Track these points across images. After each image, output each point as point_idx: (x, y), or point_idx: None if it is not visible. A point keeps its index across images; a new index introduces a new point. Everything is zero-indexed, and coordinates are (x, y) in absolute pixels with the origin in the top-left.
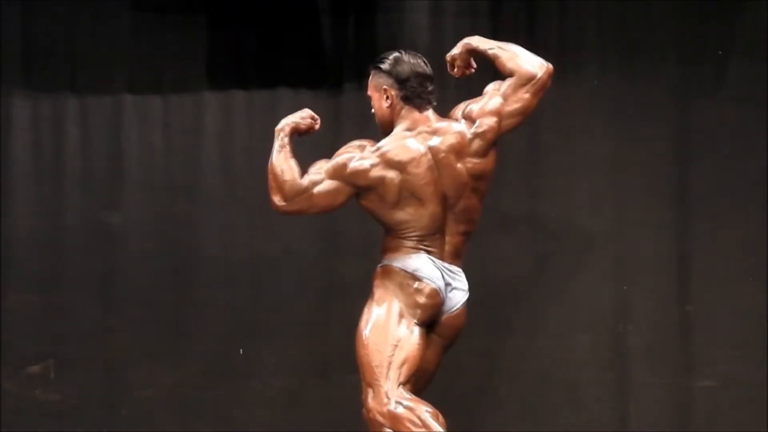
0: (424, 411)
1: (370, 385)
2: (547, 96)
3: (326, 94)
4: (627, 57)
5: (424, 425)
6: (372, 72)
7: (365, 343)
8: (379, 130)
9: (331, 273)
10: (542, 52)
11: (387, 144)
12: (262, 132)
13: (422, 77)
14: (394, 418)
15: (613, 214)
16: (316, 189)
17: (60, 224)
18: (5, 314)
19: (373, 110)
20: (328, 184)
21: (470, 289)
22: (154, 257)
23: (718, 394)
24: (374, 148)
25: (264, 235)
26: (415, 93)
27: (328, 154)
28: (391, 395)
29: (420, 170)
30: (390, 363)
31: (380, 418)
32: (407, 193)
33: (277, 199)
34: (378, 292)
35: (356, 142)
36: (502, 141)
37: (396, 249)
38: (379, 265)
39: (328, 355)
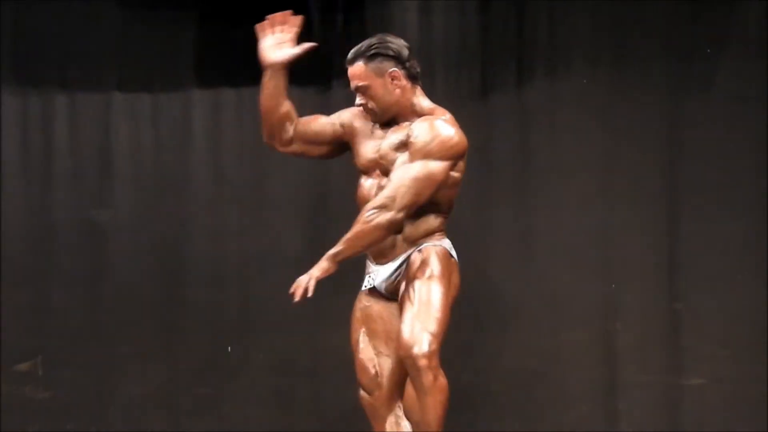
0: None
1: (436, 338)
2: (537, 94)
3: (315, 90)
4: (617, 55)
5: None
6: (363, 60)
7: (445, 304)
8: (379, 119)
9: None
10: (532, 49)
11: (449, 115)
12: (251, 129)
13: (411, 53)
14: (440, 381)
15: (602, 212)
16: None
17: (49, 222)
18: None
19: (363, 101)
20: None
21: (461, 287)
22: (144, 255)
23: (707, 392)
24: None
25: (253, 232)
26: (416, 70)
27: None
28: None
29: None
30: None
31: (431, 374)
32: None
33: None
34: (445, 272)
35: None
36: (491, 140)
37: (442, 230)
38: (438, 245)
39: (318, 353)
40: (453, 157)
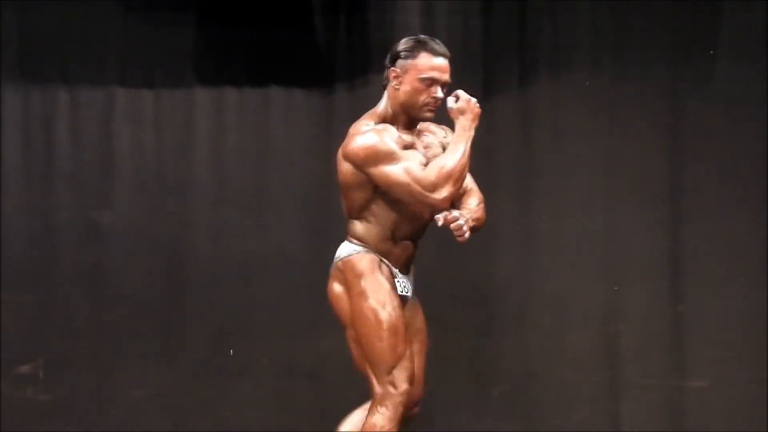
0: None
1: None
2: (540, 95)
3: (318, 93)
4: (619, 56)
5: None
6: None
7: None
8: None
9: (323, 272)
10: (534, 50)
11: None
12: (253, 130)
13: None
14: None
15: (604, 214)
16: None
17: (50, 222)
18: None
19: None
20: None
21: (465, 290)
22: (145, 255)
23: (710, 395)
24: None
25: (255, 233)
26: None
27: (321, 155)
28: None
29: None
30: None
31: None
32: None
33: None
34: None
35: None
36: (494, 141)
37: None
38: None
39: (320, 356)
40: None
